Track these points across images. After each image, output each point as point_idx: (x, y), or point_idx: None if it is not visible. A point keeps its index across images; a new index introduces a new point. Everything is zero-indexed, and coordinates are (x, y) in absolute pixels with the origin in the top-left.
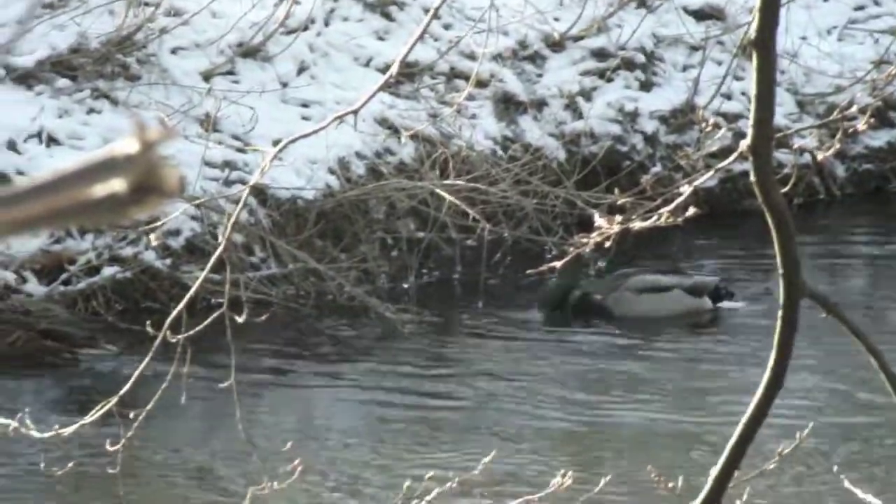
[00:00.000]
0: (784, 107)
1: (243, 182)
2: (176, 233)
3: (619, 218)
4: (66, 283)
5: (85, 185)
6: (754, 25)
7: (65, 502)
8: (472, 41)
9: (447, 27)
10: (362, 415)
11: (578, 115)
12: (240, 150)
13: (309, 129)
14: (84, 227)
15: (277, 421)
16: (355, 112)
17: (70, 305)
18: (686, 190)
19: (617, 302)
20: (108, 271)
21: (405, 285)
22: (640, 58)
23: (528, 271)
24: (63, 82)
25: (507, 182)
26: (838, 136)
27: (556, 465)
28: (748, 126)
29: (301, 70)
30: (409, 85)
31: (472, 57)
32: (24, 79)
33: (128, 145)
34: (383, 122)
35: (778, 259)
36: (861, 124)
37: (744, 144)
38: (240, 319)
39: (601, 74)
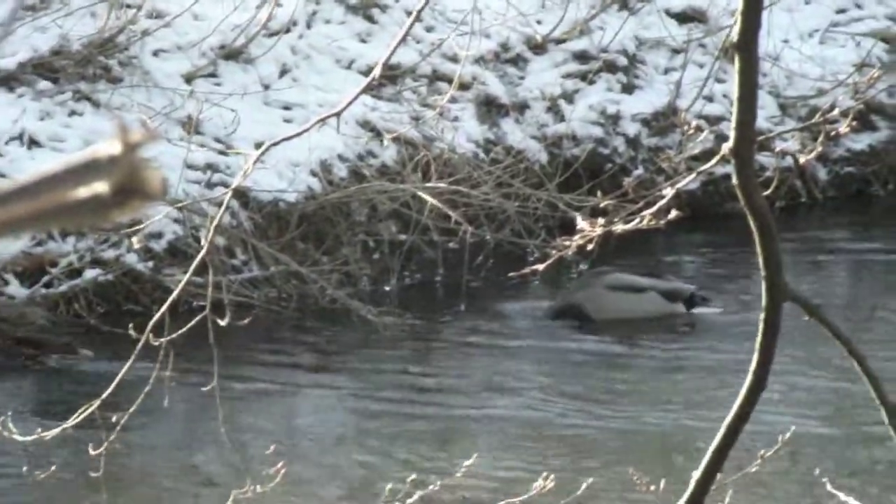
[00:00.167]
0: (766, 110)
1: (225, 185)
2: (158, 235)
3: (601, 220)
4: (47, 285)
5: (68, 187)
6: (736, 28)
7: None
8: (454, 43)
9: (429, 29)
10: (344, 418)
11: (560, 117)
12: (222, 153)
13: (291, 131)
14: (66, 229)
15: (260, 424)
16: (338, 115)
17: (52, 308)
18: (668, 193)
19: (589, 299)
20: (89, 274)
21: (387, 288)
22: (623, 60)
23: (511, 274)
24: (45, 84)
25: (490, 185)
26: (820, 139)
27: (538, 468)
28: (730, 129)
29: (283, 72)
30: (391, 87)
31: (454, 59)
32: (6, 81)
33: (111, 147)
34: (365, 125)
35: (760, 262)
36: (843, 127)
37: (726, 147)
38: (222, 323)
39: (583, 77)
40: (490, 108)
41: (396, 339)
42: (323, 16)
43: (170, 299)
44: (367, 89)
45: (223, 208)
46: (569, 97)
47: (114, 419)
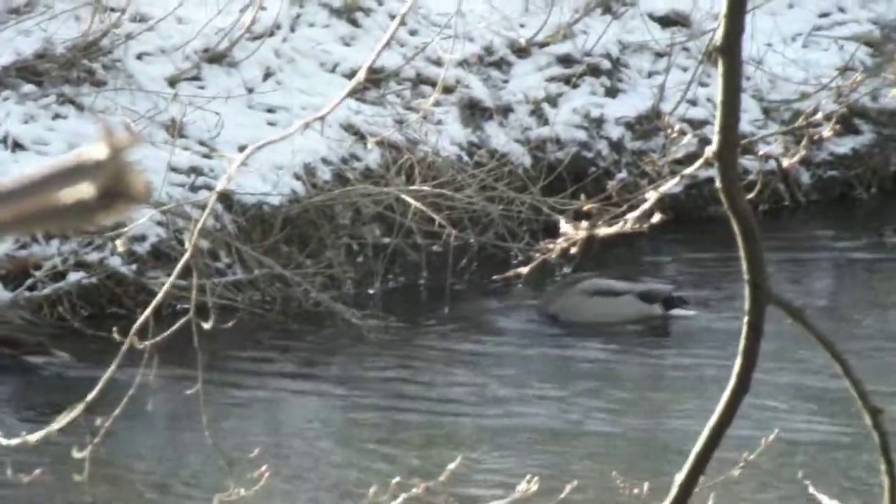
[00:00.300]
0: (749, 113)
1: (209, 188)
2: (142, 238)
3: (584, 224)
4: (31, 288)
5: (53, 190)
6: (720, 32)
7: None
8: (438, 47)
9: (413, 33)
10: (328, 420)
11: (544, 121)
12: (206, 156)
13: (275, 134)
14: (50, 232)
15: (244, 427)
16: (322, 118)
17: (36, 311)
18: (652, 196)
19: (564, 306)
20: (73, 277)
21: (371, 291)
22: (606, 64)
23: (494, 277)
24: (28, 88)
25: (473, 188)
26: (803, 142)
27: (521, 470)
28: (714, 132)
29: (267, 76)
30: (375, 91)
31: (438, 63)
32: None
33: (95, 151)
34: (349, 128)
35: (744, 265)
36: (826, 131)
37: (709, 151)
38: (206, 326)
39: (567, 80)
40: (474, 112)
41: (380, 342)
42: (307, 19)
43: (154, 302)
44: (352, 93)
45: (207, 211)
46: (552, 101)
47: (98, 422)
